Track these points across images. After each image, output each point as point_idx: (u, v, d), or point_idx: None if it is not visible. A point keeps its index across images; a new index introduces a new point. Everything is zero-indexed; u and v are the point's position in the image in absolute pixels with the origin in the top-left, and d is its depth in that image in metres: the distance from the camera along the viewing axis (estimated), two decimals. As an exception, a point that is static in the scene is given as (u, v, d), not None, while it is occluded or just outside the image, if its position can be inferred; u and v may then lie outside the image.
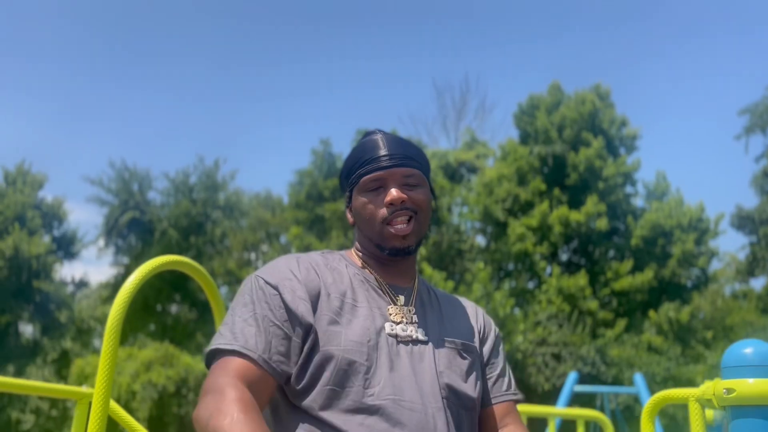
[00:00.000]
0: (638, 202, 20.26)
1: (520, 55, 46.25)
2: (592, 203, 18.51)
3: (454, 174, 22.38)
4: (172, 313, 24.63)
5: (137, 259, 23.07)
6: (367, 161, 1.33)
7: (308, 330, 1.21)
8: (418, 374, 1.22)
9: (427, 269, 16.35)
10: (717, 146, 46.23)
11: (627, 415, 12.82)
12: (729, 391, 1.28)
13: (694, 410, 1.44)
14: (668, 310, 17.18)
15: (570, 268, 19.49)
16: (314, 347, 1.20)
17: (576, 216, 18.41)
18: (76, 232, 25.03)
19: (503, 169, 19.78)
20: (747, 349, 1.31)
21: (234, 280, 23.39)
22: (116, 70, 42.04)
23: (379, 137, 1.36)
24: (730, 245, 40.89)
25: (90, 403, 1.75)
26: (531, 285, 19.34)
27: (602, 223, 18.42)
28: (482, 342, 1.39)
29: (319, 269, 1.30)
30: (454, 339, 1.32)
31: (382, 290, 1.32)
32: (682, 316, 16.76)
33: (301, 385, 1.19)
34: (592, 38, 45.01)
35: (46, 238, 23.55)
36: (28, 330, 22.79)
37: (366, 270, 1.36)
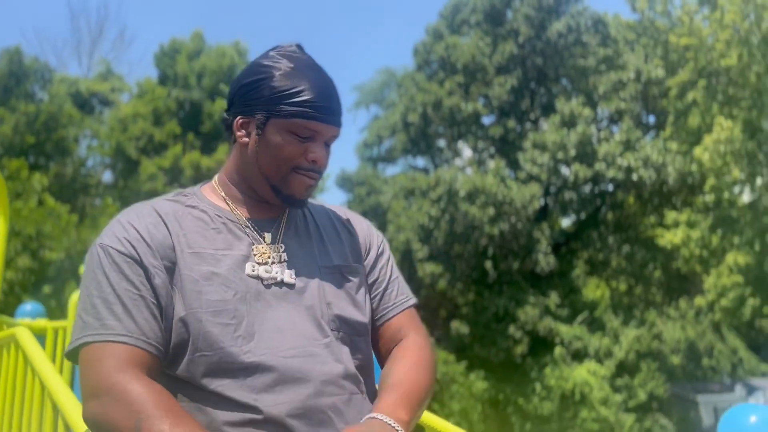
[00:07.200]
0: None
1: (164, -9, 44.83)
2: (223, 151, 19.93)
3: (85, 104, 21.32)
4: None
5: None
6: (305, 103, 1.16)
7: (170, 298, 1.09)
8: (297, 316, 1.13)
9: (50, 201, 15.68)
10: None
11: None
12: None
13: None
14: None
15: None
16: (175, 312, 1.08)
17: (207, 162, 19.61)
18: None
19: (140, 107, 19.78)
20: None
21: None
22: None
23: (314, 76, 1.19)
24: (336, 201, 47.91)
25: None
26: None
27: (230, 171, 20.05)
28: (368, 256, 1.32)
29: (168, 221, 1.15)
30: (337, 264, 1.24)
31: (245, 229, 1.19)
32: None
33: (169, 354, 1.07)
34: (238, -8, 46.27)
35: None
36: None
37: (226, 207, 1.21)
